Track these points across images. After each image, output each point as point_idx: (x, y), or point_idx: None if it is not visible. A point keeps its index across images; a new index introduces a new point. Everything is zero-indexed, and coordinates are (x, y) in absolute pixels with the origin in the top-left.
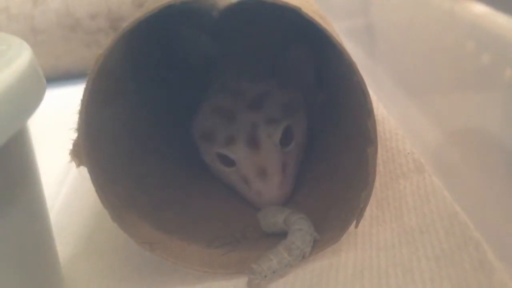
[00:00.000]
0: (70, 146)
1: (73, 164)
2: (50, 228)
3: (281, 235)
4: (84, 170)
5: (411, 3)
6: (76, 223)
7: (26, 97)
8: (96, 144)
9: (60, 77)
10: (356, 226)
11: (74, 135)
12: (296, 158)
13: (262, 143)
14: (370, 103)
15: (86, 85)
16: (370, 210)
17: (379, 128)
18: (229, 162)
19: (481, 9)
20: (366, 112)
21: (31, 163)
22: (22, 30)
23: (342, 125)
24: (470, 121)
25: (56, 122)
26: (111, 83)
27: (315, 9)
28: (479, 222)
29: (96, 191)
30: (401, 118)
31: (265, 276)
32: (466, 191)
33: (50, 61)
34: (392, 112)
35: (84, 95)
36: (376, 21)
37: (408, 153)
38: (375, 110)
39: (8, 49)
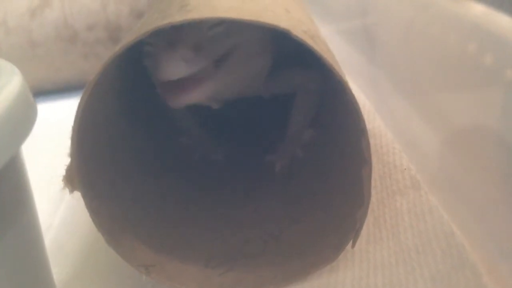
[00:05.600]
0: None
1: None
2: (45, 253)
3: None
4: (78, 193)
5: (411, 5)
6: (73, 243)
7: (18, 124)
8: (89, 168)
9: (59, 89)
10: (353, 246)
11: (67, 160)
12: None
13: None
14: (363, 122)
15: (76, 113)
16: (367, 227)
17: (376, 142)
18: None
19: (482, 10)
20: (359, 132)
21: (25, 189)
22: (20, 43)
23: (338, 142)
24: (471, 131)
25: (55, 135)
26: (103, 107)
27: (307, 29)
28: (476, 243)
29: (90, 215)
30: (400, 126)
31: None
32: (463, 209)
33: (49, 74)
34: (391, 119)
35: (75, 123)
36: (376, 23)
37: (405, 169)
38: (372, 123)
39: None
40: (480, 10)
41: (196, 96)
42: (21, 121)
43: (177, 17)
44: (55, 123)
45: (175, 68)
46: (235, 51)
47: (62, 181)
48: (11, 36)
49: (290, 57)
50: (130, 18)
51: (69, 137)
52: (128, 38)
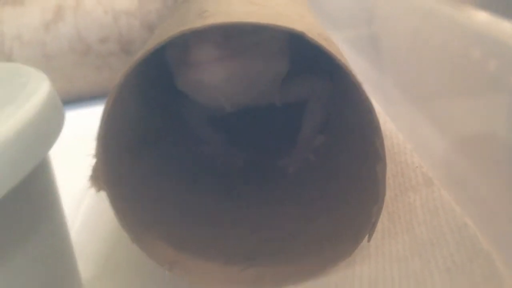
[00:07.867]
0: (89, 172)
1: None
2: (72, 252)
3: None
4: (102, 192)
5: (416, 13)
6: (96, 241)
7: (48, 128)
8: (114, 168)
9: (73, 100)
10: (369, 240)
11: (92, 161)
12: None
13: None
14: (377, 121)
15: (102, 117)
16: (382, 223)
17: (388, 143)
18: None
19: (486, 17)
20: (373, 130)
21: (53, 191)
22: (35, 56)
23: (351, 141)
24: (478, 132)
25: (72, 141)
26: (128, 109)
27: (320, 32)
28: (489, 234)
29: (115, 214)
30: (409, 130)
31: None
32: (475, 203)
33: (63, 86)
34: (400, 124)
35: (100, 126)
36: (382, 31)
37: (417, 167)
38: (383, 125)
39: (27, 81)
40: (484, 17)
41: (222, 70)
42: (51, 125)
43: (197, 23)
44: (70, 133)
45: (208, 50)
46: (259, 45)
47: (88, 180)
48: (25, 49)
49: (299, 66)
50: (141, 31)
51: (88, 143)
52: (151, 43)
